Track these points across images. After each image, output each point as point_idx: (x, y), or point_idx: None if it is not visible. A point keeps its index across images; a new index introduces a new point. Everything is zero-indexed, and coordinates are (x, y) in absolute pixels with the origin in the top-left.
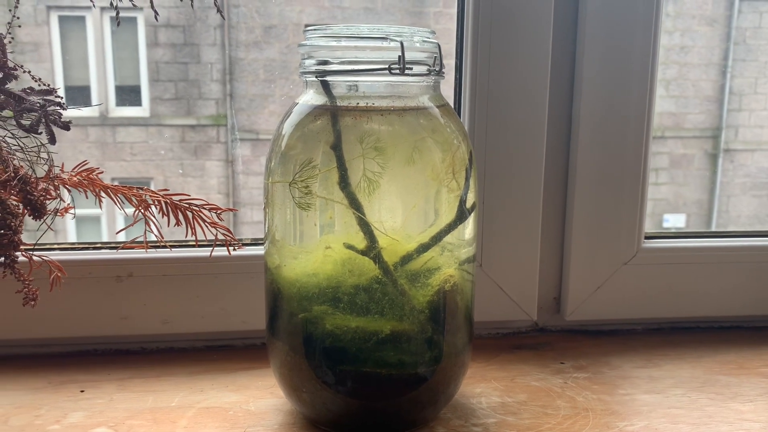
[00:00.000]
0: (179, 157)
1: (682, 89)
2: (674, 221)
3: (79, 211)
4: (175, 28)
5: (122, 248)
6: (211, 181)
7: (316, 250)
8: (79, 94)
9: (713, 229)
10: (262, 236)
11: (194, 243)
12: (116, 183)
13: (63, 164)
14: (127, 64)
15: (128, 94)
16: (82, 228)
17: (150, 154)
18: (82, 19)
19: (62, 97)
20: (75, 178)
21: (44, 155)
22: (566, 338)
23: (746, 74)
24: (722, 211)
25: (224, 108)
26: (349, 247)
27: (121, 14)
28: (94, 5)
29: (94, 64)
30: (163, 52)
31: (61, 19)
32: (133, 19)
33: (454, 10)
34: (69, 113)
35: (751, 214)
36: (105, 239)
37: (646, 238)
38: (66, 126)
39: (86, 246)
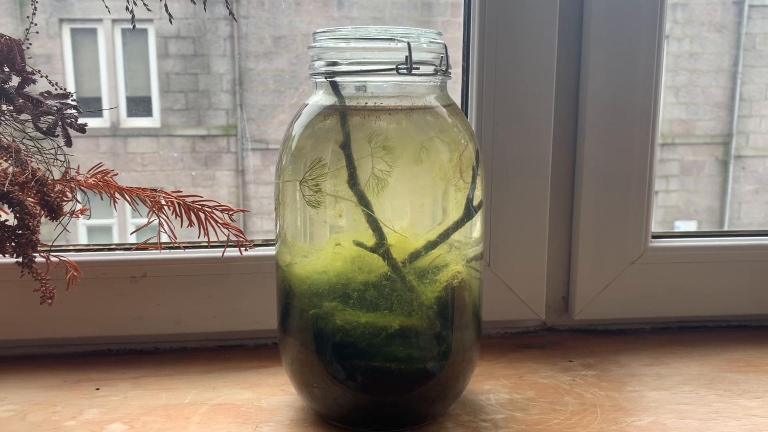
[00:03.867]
0: (190, 167)
1: (692, 96)
2: (685, 228)
3: (90, 222)
4: (185, 39)
5: (136, 249)
6: (221, 190)
7: (326, 247)
8: (91, 105)
9: None
10: (273, 238)
11: (207, 244)
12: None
13: (79, 166)
14: (138, 75)
15: (139, 105)
16: (94, 239)
17: (161, 164)
18: (94, 31)
19: (78, 101)
20: (90, 180)
21: (60, 158)
22: (574, 337)
23: (756, 80)
24: (734, 217)
25: (234, 118)
26: (359, 244)
27: (132, 26)
28: (109, 12)
29: (106, 76)
30: (174, 63)
31: (73, 31)
32: (144, 31)
33: (462, 19)
34: (82, 122)
35: (763, 221)
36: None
37: (653, 237)
38: (82, 129)
39: (101, 247)
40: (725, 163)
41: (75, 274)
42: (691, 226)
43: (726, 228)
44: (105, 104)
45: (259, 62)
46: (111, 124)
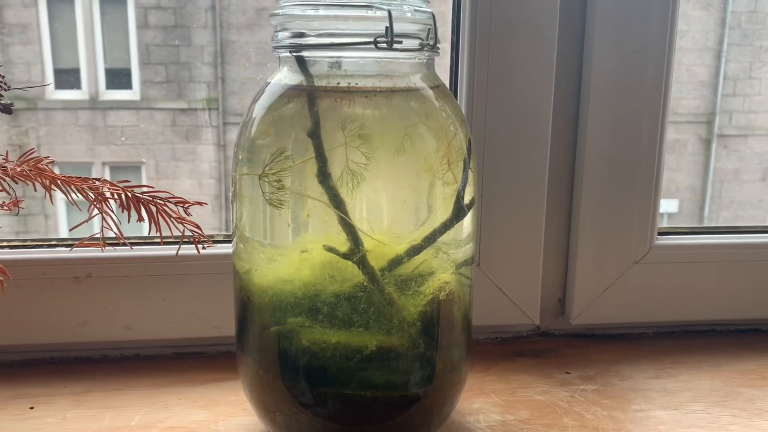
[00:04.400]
0: (170, 141)
1: (676, 74)
2: (667, 207)
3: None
4: (165, 9)
5: (78, 246)
6: (202, 165)
7: (291, 253)
8: (70, 77)
9: (706, 215)
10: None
11: (160, 240)
12: (107, 168)
13: (7, 153)
14: (118, 46)
15: (119, 77)
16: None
17: (141, 138)
18: (71, 0)
19: (3, 76)
20: (19, 168)
21: None
22: (571, 343)
23: (741, 59)
24: (715, 196)
25: (216, 91)
26: (330, 249)
27: None
28: None
29: (84, 47)
30: (154, 35)
31: (50, 0)
32: (123, 1)
33: None
34: (59, 96)
35: (744, 200)
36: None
37: (660, 234)
38: (7, 109)
39: (39, 243)
40: (708, 142)
41: (2, 279)
42: (672, 204)
43: (707, 207)
44: (83, 75)
45: (242, 34)
46: (90, 96)
